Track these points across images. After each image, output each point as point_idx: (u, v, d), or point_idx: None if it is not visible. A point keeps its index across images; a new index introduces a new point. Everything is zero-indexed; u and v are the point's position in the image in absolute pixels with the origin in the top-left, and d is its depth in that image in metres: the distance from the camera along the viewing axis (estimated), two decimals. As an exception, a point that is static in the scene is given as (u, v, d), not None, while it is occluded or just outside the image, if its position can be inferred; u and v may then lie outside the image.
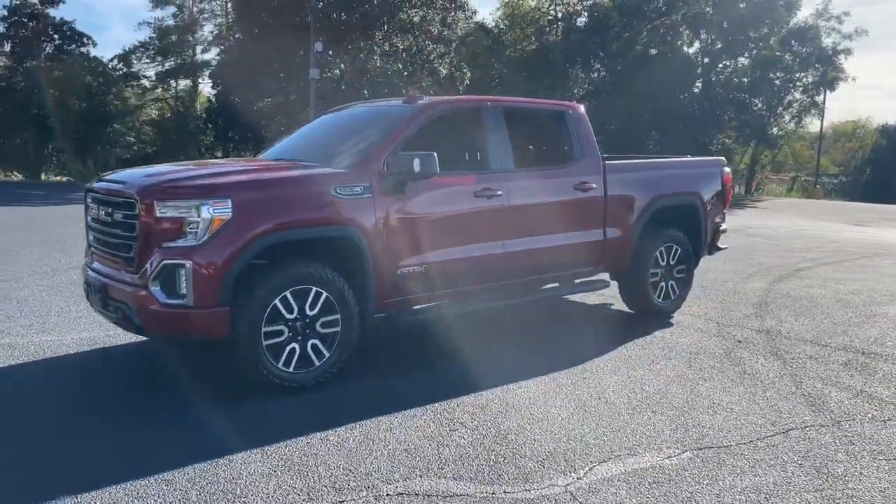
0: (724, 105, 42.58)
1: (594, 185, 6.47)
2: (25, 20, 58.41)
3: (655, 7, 40.90)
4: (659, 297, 7.18)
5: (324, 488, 3.56)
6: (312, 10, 25.85)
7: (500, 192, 5.81)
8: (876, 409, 4.78)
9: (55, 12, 58.43)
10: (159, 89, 54.75)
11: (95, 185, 5.30)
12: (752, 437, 4.27)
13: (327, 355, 5.00)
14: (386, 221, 5.20)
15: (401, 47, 28.63)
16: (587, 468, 3.83)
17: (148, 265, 4.57)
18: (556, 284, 6.67)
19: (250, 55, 28.60)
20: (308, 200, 4.90)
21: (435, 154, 5.21)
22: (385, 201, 5.20)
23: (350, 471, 3.75)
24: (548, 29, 39.57)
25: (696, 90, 42.76)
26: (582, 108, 6.73)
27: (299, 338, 4.88)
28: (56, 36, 59.06)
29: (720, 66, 43.38)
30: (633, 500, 3.49)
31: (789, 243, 14.76)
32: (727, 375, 5.45)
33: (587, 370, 5.52)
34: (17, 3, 58.16)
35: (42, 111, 38.98)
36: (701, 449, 4.10)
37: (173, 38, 50.45)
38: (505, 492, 3.56)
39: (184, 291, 4.49)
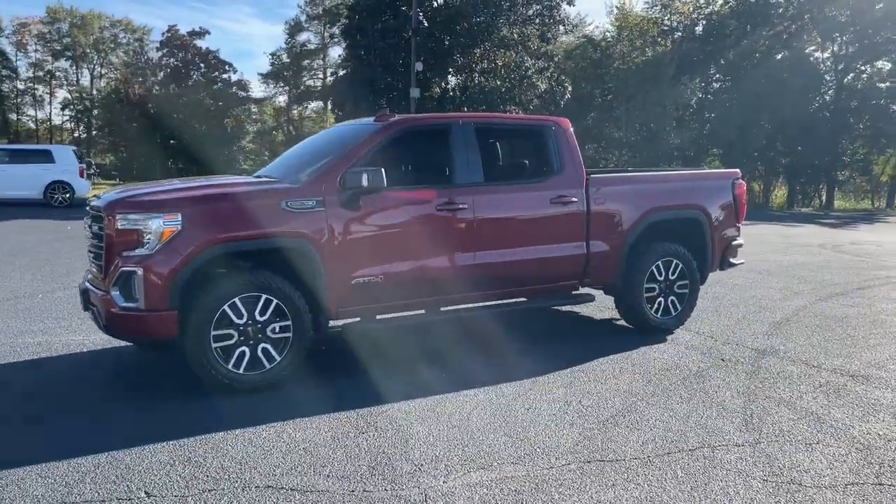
0: (859, 112, 39.90)
1: (574, 199, 6.47)
2: (176, 51, 64.16)
3: (782, 12, 39.01)
4: (657, 312, 7.03)
5: (204, 478, 3.87)
6: (413, 31, 26.66)
7: (464, 206, 5.97)
8: (810, 432, 4.54)
9: (202, 43, 63.63)
10: (285, 111, 58.12)
11: (91, 202, 5.93)
12: (653, 453, 4.20)
13: (278, 359, 5.33)
14: (339, 233, 5.49)
15: (500, 64, 28.93)
16: (460, 473, 3.93)
17: (111, 272, 5.10)
18: (535, 296, 6.69)
19: (357, 77, 29.89)
20: (257, 214, 5.27)
21: (382, 170, 5.47)
22: (339, 214, 5.49)
23: (240, 464, 4.05)
24: (659, 39, 38.59)
25: (828, 97, 40.30)
26: (568, 124, 6.76)
27: (251, 342, 5.25)
28: (202, 64, 64.43)
29: (855, 70, 40.71)
30: (481, 505, 3.57)
31: (882, 261, 13.72)
32: (679, 393, 5.32)
33: (540, 382, 5.55)
34: (169, 35, 63.99)
35: (167, 133, 42.69)
36: (590, 462, 4.09)
37: (288, 62, 53.29)
38: (364, 490, 3.74)
39: (137, 296, 4.98)
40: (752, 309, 8.41)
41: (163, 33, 64.74)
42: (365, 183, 5.43)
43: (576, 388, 5.42)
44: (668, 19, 38.99)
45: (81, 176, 22.28)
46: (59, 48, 73.56)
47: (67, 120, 73.27)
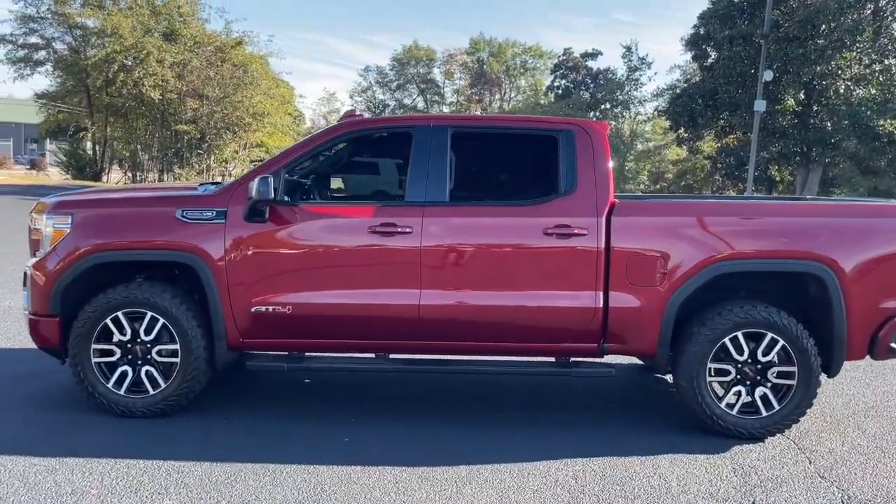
0: None
1: (583, 231, 4.65)
2: (568, 72, 66.76)
3: None
4: (731, 406, 4.72)
5: None
6: (764, 35, 23.17)
7: (408, 230, 4.69)
8: None
9: (593, 64, 65.11)
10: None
11: None
12: None
13: (163, 385, 4.78)
14: (239, 251, 4.72)
15: (877, 69, 23.54)
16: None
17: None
18: (515, 358, 5.01)
19: (698, 90, 27.24)
20: (146, 222, 4.79)
21: (270, 177, 4.56)
22: (241, 229, 4.73)
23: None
24: None
25: None
26: (599, 129, 4.89)
27: (139, 362, 4.79)
28: (592, 84, 65.89)
29: None
30: None
31: None
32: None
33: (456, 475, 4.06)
34: (563, 58, 66.85)
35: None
36: None
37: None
38: None
39: (29, 299, 4.88)
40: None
41: (558, 56, 67.91)
42: (252, 193, 4.57)
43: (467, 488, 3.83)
44: None
45: (399, 187, 24.20)
46: (478, 75, 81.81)
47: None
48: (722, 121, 27.31)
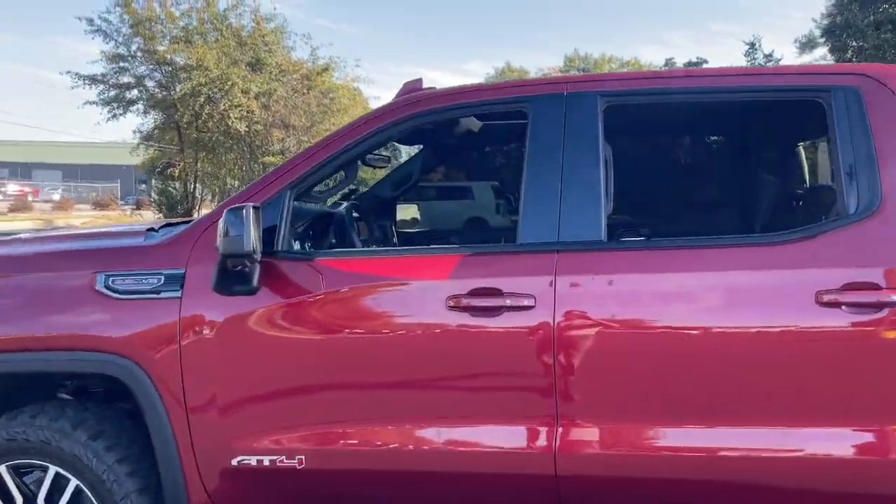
0: None
1: (910, 295, 2.16)
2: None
3: None
4: None
5: None
6: (920, 16, 19.64)
7: (528, 302, 2.31)
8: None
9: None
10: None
11: None
12: None
13: None
14: (204, 349, 2.48)
15: None
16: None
17: None
18: None
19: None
20: (44, 298, 2.62)
21: (248, 210, 2.28)
22: (209, 307, 2.49)
23: None
24: None
25: None
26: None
27: (39, 553, 2.63)
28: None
29: None
30: None
31: None
32: None
33: None
34: (666, 68, 63.46)
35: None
36: None
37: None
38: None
39: None
40: None
41: (661, 68, 64.59)
42: (217, 242, 2.33)
43: None
44: None
45: (497, 212, 22.07)
46: (571, 92, 79.05)
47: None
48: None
